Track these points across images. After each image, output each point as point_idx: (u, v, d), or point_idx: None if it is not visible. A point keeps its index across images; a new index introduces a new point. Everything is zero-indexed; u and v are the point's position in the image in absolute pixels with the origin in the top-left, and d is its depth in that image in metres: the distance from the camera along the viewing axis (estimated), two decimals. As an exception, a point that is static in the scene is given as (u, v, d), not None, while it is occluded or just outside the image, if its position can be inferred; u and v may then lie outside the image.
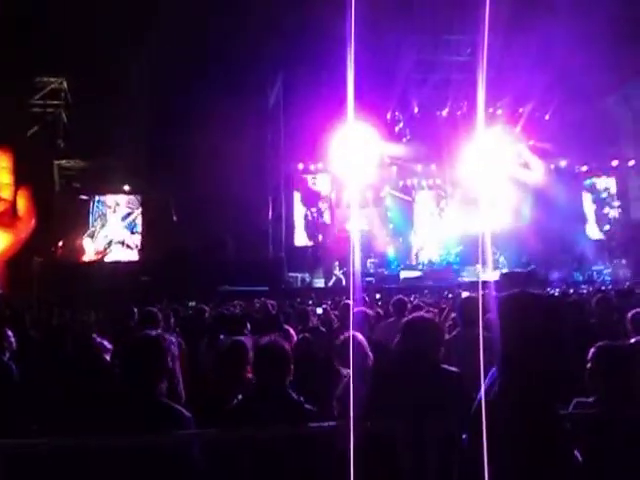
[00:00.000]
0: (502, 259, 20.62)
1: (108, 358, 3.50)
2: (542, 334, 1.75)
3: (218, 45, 16.49)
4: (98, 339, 3.48)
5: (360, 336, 3.41)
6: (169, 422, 2.34)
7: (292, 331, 5.20)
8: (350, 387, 2.52)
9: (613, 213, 22.52)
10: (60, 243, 19.43)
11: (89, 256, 20.19)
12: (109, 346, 3.55)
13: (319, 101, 17.57)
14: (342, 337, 3.59)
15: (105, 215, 20.69)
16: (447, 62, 19.43)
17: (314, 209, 22.37)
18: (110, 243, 20.48)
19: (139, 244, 20.42)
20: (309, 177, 22.38)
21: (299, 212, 22.30)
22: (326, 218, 22.22)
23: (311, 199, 22.42)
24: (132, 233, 20.66)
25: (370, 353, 3.41)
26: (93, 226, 20.50)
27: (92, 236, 20.39)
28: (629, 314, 4.17)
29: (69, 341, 3.81)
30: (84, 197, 20.39)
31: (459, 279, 19.09)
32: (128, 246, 20.51)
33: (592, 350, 2.68)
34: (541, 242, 19.62)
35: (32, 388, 3.49)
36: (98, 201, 20.74)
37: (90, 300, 11.64)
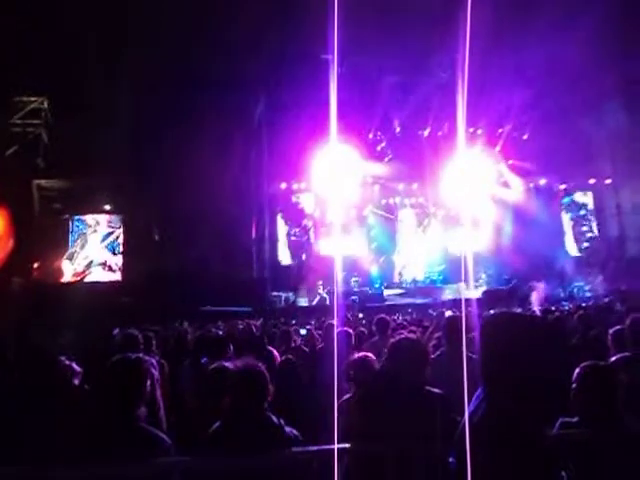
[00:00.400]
0: (484, 276, 20.82)
1: (77, 382, 3.40)
2: (524, 354, 1.75)
3: (201, 65, 16.55)
4: (67, 362, 3.38)
5: (372, 356, 3.38)
6: (149, 449, 2.28)
7: (275, 352, 5.15)
8: (340, 409, 2.48)
9: (591, 230, 22.91)
10: (36, 264, 19.07)
11: (67, 278, 19.86)
12: (78, 369, 3.45)
13: (302, 121, 17.72)
14: (354, 357, 3.52)
15: (85, 235, 20.44)
16: (428, 83, 19.75)
17: (297, 228, 22.39)
18: (90, 264, 20.21)
19: (120, 265, 20.15)
20: (292, 196, 22.42)
21: (282, 231, 22.29)
22: (310, 237, 22.22)
23: (294, 218, 22.45)
24: (114, 254, 20.42)
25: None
26: (72, 247, 20.23)
27: (71, 258, 20.10)
28: (610, 331, 4.19)
29: (35, 364, 3.69)
30: (64, 216, 20.13)
31: (441, 296, 19.18)
32: (110, 268, 20.26)
33: (577, 370, 2.68)
34: (522, 259, 19.83)
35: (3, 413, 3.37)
36: (78, 220, 20.47)
37: (69, 321, 11.40)
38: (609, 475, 2.28)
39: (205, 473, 2.30)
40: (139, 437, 2.30)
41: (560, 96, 18.44)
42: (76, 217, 20.42)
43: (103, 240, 20.42)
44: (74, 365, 3.42)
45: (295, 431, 2.52)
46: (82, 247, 20.23)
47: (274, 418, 2.49)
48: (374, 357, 3.42)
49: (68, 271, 19.93)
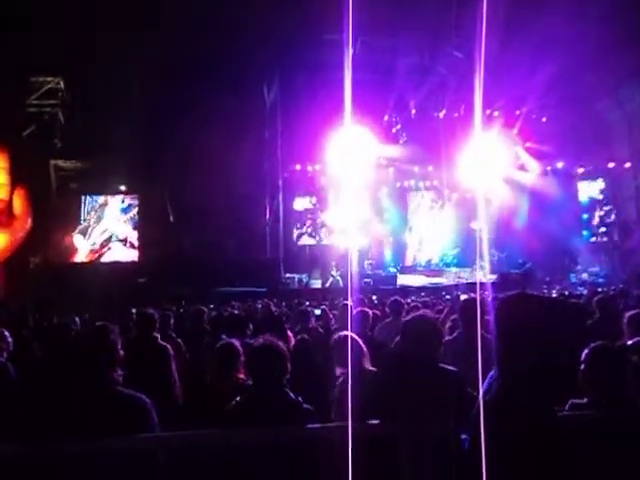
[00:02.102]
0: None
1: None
2: (541, 336, 1.75)
3: (216, 46, 16.46)
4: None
5: (355, 335, 3.41)
6: (127, 410, 2.33)
7: (289, 333, 5.21)
8: (347, 388, 2.52)
9: (608, 215, 22.59)
10: (52, 244, 19.26)
11: (81, 255, 19.86)
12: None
13: (317, 103, 17.58)
14: (336, 336, 3.58)
15: (103, 207, 20.25)
16: (444, 64, 19.46)
17: (311, 210, 22.40)
18: (110, 239, 20.12)
19: (136, 243, 20.24)
20: (306, 178, 22.38)
21: (297, 213, 22.31)
22: (323, 219, 22.22)
23: (309, 200, 22.45)
24: (134, 229, 20.29)
25: (366, 352, 3.41)
26: (85, 221, 20.08)
27: (85, 233, 20.03)
28: (626, 315, 4.17)
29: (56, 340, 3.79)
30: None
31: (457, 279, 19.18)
32: (132, 245, 20.10)
33: (586, 351, 2.68)
34: (537, 243, 19.68)
35: (29, 389, 3.48)
36: (92, 194, 20.38)
37: (86, 300, 11.61)
38: (619, 456, 2.30)
39: (224, 447, 2.35)
40: (115, 400, 2.35)
41: (579, 78, 18.08)
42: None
43: (124, 212, 20.28)
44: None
45: (312, 408, 2.56)
46: (98, 221, 20.16)
47: (292, 395, 2.54)
48: (356, 336, 3.45)
49: (83, 247, 19.93)
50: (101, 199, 20.42)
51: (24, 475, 2.15)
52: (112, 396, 2.35)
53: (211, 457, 2.32)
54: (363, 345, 3.41)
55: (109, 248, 20.06)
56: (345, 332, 3.54)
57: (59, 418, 2.30)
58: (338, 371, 3.34)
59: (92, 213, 20.16)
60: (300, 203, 22.43)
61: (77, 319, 6.22)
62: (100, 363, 2.40)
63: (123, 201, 20.37)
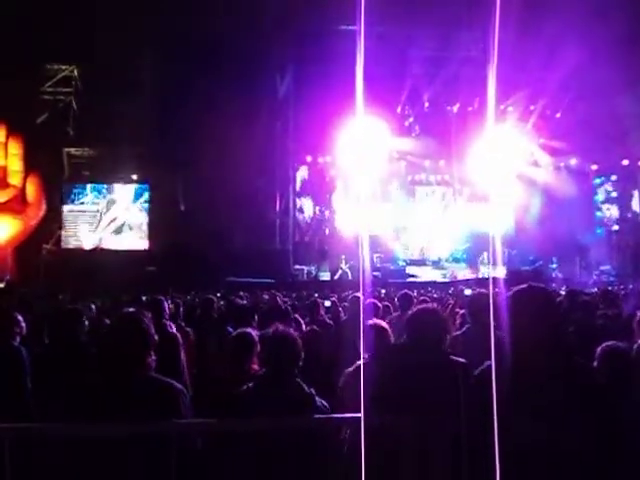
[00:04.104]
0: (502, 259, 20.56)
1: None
2: (554, 329, 1.74)
3: (230, 35, 16.43)
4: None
5: (385, 324, 3.42)
6: (161, 397, 2.32)
7: (300, 321, 5.22)
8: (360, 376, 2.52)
9: (621, 213, 22.37)
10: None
11: (90, 243, 19.79)
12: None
13: (329, 94, 17.50)
14: (369, 323, 3.56)
15: (112, 194, 20.05)
16: (459, 57, 19.29)
17: (322, 202, 22.39)
18: (122, 227, 20.04)
19: (147, 231, 20.19)
20: (318, 170, 22.34)
21: (307, 205, 22.31)
22: (334, 211, 22.20)
23: (319, 192, 22.43)
24: (145, 217, 20.13)
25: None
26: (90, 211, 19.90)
27: (92, 222, 19.90)
28: (638, 314, 4.14)
29: (81, 326, 3.82)
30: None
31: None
32: (143, 233, 20.00)
33: (598, 350, 2.69)
34: (549, 240, 19.55)
35: (43, 374, 3.52)
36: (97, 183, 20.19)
37: (96, 289, 11.71)
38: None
39: (232, 434, 2.36)
40: (148, 386, 2.33)
41: (595, 73, 17.83)
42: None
43: (135, 201, 20.15)
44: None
45: (325, 402, 2.55)
46: (107, 209, 20.06)
47: (305, 387, 2.54)
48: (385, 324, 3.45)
49: (88, 237, 19.88)
50: (111, 187, 20.34)
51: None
52: (145, 381, 2.35)
53: (223, 445, 2.33)
54: (392, 335, 3.41)
55: (120, 236, 20.06)
56: (376, 320, 3.55)
57: (87, 402, 2.32)
58: (365, 355, 3.31)
59: (100, 202, 20.10)
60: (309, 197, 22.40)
61: (93, 306, 6.29)
62: (135, 348, 2.39)
63: (135, 189, 20.36)
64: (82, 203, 19.89)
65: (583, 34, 15.00)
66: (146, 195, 20.14)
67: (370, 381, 2.50)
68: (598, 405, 1.85)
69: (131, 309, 2.74)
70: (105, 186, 20.15)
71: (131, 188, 20.31)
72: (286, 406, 2.40)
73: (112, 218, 20.04)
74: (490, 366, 1.85)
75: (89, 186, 20.06)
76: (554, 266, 19.96)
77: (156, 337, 2.49)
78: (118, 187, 20.22)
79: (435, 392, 2.42)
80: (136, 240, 20.03)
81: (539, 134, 21.80)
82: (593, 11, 14.05)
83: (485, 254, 19.83)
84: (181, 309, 5.33)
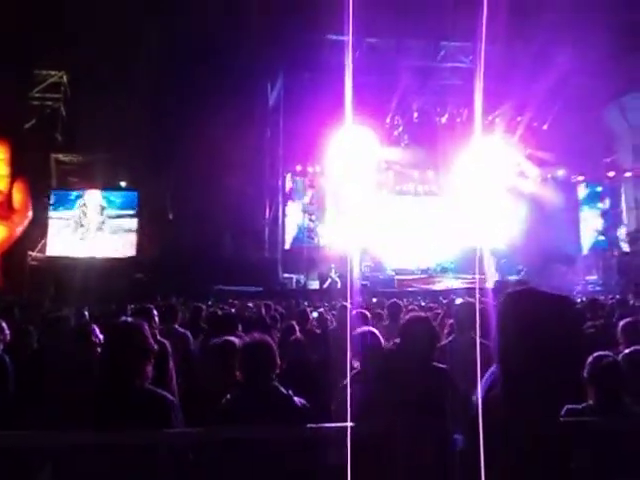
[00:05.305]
0: (493, 266, 20.70)
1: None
2: (551, 334, 1.71)
3: (220, 44, 16.46)
4: (97, 331, 3.44)
5: (376, 331, 3.42)
6: (153, 409, 2.31)
7: (297, 326, 5.21)
8: (355, 386, 2.52)
9: (607, 223, 22.62)
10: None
11: (72, 251, 19.46)
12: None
13: (318, 104, 17.59)
14: (357, 331, 3.56)
15: (96, 201, 19.83)
16: (448, 69, 19.50)
17: (311, 211, 22.39)
18: (108, 235, 19.68)
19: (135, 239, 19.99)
20: (307, 179, 22.38)
21: (296, 213, 22.30)
22: (323, 219, 22.21)
23: (308, 201, 22.45)
24: (133, 224, 19.86)
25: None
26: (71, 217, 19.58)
27: (78, 229, 19.61)
28: (620, 323, 4.20)
29: (66, 333, 3.78)
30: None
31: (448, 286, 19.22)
32: (130, 240, 19.69)
33: (589, 359, 2.72)
34: (536, 250, 19.71)
35: (26, 381, 3.47)
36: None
37: (84, 296, 11.59)
38: (617, 462, 2.31)
39: (215, 445, 2.35)
40: (143, 398, 2.32)
41: (581, 86, 18.12)
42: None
43: (123, 208, 19.88)
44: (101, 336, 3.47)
45: (304, 401, 2.56)
46: (94, 216, 19.75)
47: (282, 389, 2.54)
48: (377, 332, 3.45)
49: (74, 244, 19.55)
50: (93, 193, 20.10)
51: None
52: (140, 393, 2.33)
53: (208, 454, 2.32)
54: (382, 341, 3.40)
55: (106, 242, 19.84)
56: (366, 328, 3.55)
57: (77, 412, 2.29)
58: (356, 364, 3.31)
59: (83, 208, 19.77)
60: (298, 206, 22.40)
61: (86, 312, 6.22)
62: (133, 358, 2.37)
63: (123, 196, 20.22)
64: (68, 210, 19.67)
65: (570, 46, 15.24)
66: (134, 202, 20.00)
67: (363, 389, 2.51)
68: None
69: (129, 318, 2.72)
70: (93, 193, 19.96)
71: (119, 195, 20.17)
72: (266, 410, 2.40)
73: (99, 225, 19.85)
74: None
75: (76, 193, 19.87)
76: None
77: (155, 346, 2.48)
78: (106, 194, 20.05)
79: (422, 399, 2.43)
80: (123, 247, 19.84)
81: (526, 145, 22.06)
82: (580, 24, 14.29)
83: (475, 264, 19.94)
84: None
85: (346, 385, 3.05)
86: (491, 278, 19.30)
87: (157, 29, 14.64)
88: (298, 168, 21.98)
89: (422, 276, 20.95)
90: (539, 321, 1.67)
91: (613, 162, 21.72)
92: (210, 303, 9.91)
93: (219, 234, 18.67)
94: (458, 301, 5.85)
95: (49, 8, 14.61)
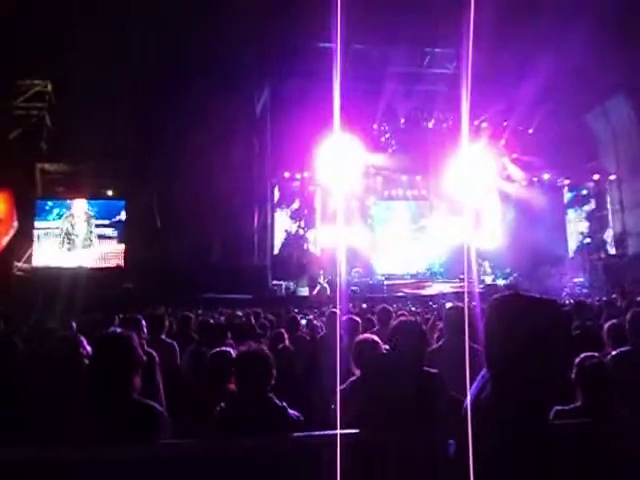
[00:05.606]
0: (488, 269, 20.83)
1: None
2: (538, 338, 1.72)
3: (206, 52, 16.44)
4: (85, 343, 3.39)
5: (377, 338, 3.42)
6: (141, 420, 2.29)
7: (286, 335, 5.19)
8: (349, 394, 2.50)
9: (593, 226, 22.87)
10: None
11: (59, 261, 19.29)
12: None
13: (306, 110, 17.64)
14: (359, 338, 3.55)
15: (81, 211, 19.61)
16: (433, 74, 19.65)
17: (300, 217, 22.39)
18: (95, 245, 19.56)
19: (123, 248, 19.85)
20: (295, 186, 22.39)
21: (285, 219, 22.29)
22: (312, 226, 22.22)
23: (297, 208, 22.45)
24: (120, 233, 19.77)
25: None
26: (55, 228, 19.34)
27: (64, 239, 19.40)
28: (605, 325, 4.23)
29: (52, 345, 3.71)
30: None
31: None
32: (117, 249, 19.61)
33: (577, 360, 2.74)
34: (523, 253, 19.87)
35: (10, 394, 3.41)
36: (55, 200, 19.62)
37: (71, 306, 11.47)
38: (605, 465, 2.31)
39: (209, 455, 2.32)
40: (131, 409, 2.31)
41: (566, 91, 18.36)
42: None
43: (109, 217, 19.75)
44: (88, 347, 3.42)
45: (298, 413, 2.56)
46: (82, 226, 19.59)
47: (277, 400, 2.53)
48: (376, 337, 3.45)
49: (61, 254, 19.39)
50: (79, 203, 19.91)
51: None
52: (129, 404, 2.31)
53: (200, 467, 2.29)
54: (383, 348, 3.39)
55: (93, 251, 19.67)
56: (367, 335, 3.54)
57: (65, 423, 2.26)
58: (357, 372, 3.30)
59: (69, 218, 19.60)
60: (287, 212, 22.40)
61: (74, 324, 6.14)
62: (123, 369, 2.36)
63: (110, 205, 20.08)
64: (55, 220, 19.49)
65: (553, 52, 15.42)
66: (122, 211, 19.88)
67: (363, 396, 2.50)
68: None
69: (118, 329, 2.70)
70: (79, 202, 19.79)
71: (106, 204, 20.04)
72: (260, 422, 2.38)
73: (86, 235, 19.68)
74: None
75: (62, 202, 19.69)
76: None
77: (144, 358, 2.46)
78: (92, 203, 19.91)
79: (413, 404, 2.43)
80: (111, 257, 19.69)
81: (512, 150, 22.30)
82: (563, 30, 14.48)
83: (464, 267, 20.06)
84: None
85: (342, 391, 3.04)
86: (480, 281, 19.42)
87: (142, 38, 14.57)
88: (287, 175, 21.99)
89: (412, 281, 21.02)
90: (525, 325, 1.68)
91: (598, 165, 21.99)
92: (200, 312, 9.85)
93: (208, 242, 18.60)
94: (448, 305, 5.86)
95: (33, 17, 14.51)
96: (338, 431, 2.10)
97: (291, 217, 22.41)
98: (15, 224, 16.62)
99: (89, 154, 17.70)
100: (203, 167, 17.02)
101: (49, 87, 18.94)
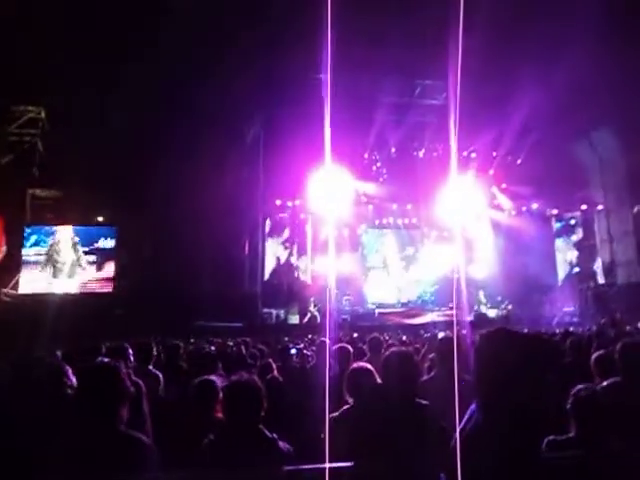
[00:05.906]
0: (483, 298, 20.85)
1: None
2: (521, 371, 1.75)
3: (198, 83, 16.63)
4: (70, 373, 3.34)
5: (369, 366, 3.39)
6: (129, 453, 2.25)
7: (274, 365, 5.14)
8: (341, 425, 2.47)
9: (581, 256, 23.06)
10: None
11: (46, 288, 19.02)
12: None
13: (297, 140, 17.81)
14: (353, 367, 3.52)
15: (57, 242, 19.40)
16: (424, 105, 20.00)
17: (291, 245, 22.41)
18: (85, 271, 19.38)
19: (112, 275, 19.67)
20: (287, 214, 22.46)
21: (275, 248, 22.29)
22: (303, 254, 22.22)
23: (288, 236, 22.48)
24: (110, 260, 19.60)
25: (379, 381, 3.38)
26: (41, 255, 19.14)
27: (52, 266, 19.22)
28: (593, 356, 4.21)
29: (37, 376, 3.64)
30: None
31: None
32: (107, 276, 19.42)
33: (573, 391, 2.74)
34: (513, 282, 19.95)
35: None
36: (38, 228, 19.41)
37: (58, 335, 11.29)
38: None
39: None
40: (118, 442, 2.27)
41: (553, 122, 18.72)
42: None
43: (100, 242, 19.64)
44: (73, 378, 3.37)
45: (288, 445, 2.52)
46: (57, 253, 19.32)
47: (267, 432, 2.49)
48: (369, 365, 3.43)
49: (48, 281, 19.19)
50: (66, 230, 19.74)
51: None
52: (116, 436, 2.27)
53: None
54: (377, 377, 3.37)
55: (81, 278, 19.47)
56: (362, 364, 3.51)
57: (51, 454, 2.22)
58: (350, 401, 3.25)
59: (55, 245, 19.40)
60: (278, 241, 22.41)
61: (59, 353, 6.03)
62: (107, 401, 2.32)
63: (100, 232, 19.96)
64: (42, 246, 19.33)
65: (541, 84, 15.76)
66: (112, 238, 19.78)
67: (356, 424, 2.47)
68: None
69: (105, 359, 2.67)
70: (65, 229, 19.67)
71: (95, 230, 19.94)
72: (250, 454, 2.35)
73: (73, 262, 19.49)
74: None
75: (49, 229, 19.56)
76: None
77: (132, 389, 2.43)
78: (80, 229, 19.80)
79: (405, 436, 2.41)
80: (100, 283, 19.51)
81: (501, 180, 22.60)
82: (550, 63, 14.83)
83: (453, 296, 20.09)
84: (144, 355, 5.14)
85: (334, 419, 3.01)
86: (473, 310, 19.43)
87: (137, 64, 14.74)
88: (278, 202, 22.07)
89: (403, 309, 20.96)
90: (512, 360, 1.71)
91: (585, 195, 22.31)
92: (192, 340, 9.73)
93: (198, 270, 18.51)
94: (440, 335, 5.85)
95: (27, 44, 14.66)
96: (327, 465, 2.07)
97: (282, 245, 22.41)
98: (4, 249, 16.48)
99: (80, 180, 17.69)
100: (194, 194, 17.06)
101: (42, 114, 19.02)
